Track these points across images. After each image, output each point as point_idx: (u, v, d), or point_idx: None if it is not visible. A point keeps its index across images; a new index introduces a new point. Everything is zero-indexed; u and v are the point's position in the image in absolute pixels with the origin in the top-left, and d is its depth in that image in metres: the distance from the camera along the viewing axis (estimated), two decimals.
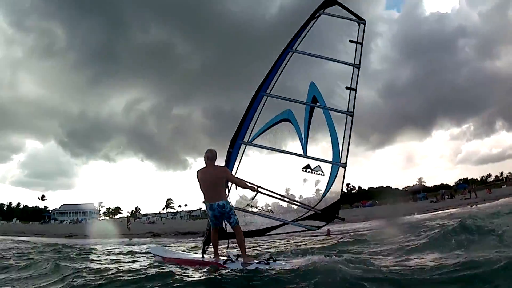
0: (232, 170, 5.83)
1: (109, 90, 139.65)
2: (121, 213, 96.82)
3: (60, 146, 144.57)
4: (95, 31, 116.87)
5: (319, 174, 5.90)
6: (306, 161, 5.88)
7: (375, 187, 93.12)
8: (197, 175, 5.52)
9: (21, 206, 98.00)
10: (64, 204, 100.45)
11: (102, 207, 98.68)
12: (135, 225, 34.23)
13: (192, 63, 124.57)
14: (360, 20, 5.71)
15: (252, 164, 6.00)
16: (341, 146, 5.79)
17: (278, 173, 6.04)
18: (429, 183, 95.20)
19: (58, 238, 18.80)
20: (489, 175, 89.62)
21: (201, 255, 6.10)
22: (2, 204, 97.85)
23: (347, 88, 5.58)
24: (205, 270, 5.17)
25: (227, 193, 5.59)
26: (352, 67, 5.60)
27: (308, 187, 6.05)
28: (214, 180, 5.36)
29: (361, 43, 5.59)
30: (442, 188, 72.98)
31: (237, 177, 5.72)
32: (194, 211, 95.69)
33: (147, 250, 8.61)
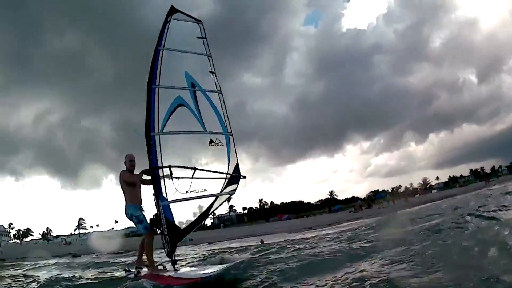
0: (157, 161, 6.12)
1: (19, 99, 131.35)
2: (32, 234, 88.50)
3: None
4: (6, 34, 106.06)
5: (219, 145, 6.70)
6: (208, 136, 6.62)
7: (286, 202, 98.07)
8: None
9: None
10: None
11: (12, 228, 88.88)
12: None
13: (104, 73, 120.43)
14: (198, 21, 7.02)
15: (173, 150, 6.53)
16: (223, 119, 6.80)
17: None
18: (340, 196, 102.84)
19: None
20: (400, 186, 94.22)
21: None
22: None
23: (210, 72, 6.75)
24: None
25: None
26: (206, 56, 6.84)
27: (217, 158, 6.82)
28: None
29: (205, 38, 6.95)
30: (353, 200, 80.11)
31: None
32: (106, 231, 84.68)
33: None
